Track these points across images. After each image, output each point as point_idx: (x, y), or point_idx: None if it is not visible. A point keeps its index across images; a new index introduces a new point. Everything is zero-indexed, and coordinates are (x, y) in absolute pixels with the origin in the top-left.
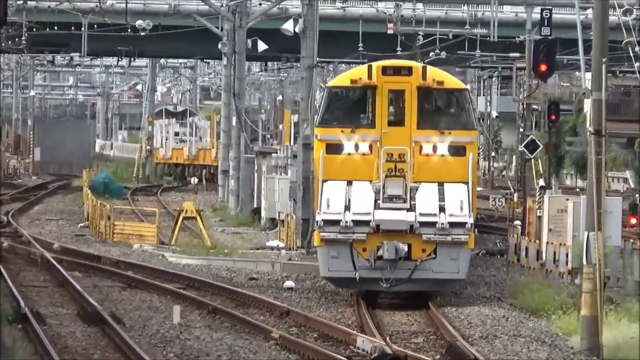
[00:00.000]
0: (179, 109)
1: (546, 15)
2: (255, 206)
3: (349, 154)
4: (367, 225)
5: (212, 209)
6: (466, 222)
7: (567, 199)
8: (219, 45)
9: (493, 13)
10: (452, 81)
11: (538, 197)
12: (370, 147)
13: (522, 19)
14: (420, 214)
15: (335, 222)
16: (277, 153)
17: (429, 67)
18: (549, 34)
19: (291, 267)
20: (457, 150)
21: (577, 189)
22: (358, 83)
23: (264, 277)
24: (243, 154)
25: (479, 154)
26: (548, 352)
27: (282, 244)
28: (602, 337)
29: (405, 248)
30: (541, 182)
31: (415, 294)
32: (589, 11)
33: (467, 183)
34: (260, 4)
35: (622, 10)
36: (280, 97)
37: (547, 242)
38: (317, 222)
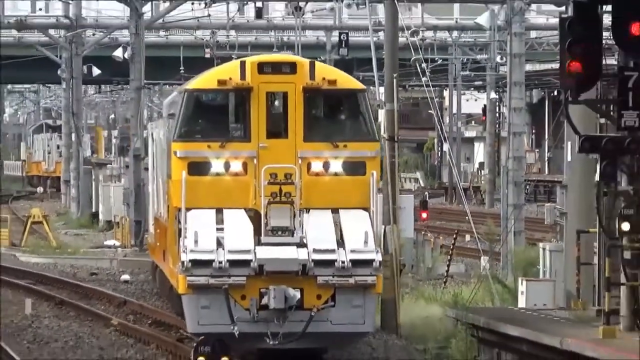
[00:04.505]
0: (59, 122)
1: (343, 38)
2: (93, 210)
3: (218, 174)
4: (246, 266)
5: (57, 214)
6: (373, 260)
7: None
8: (59, 72)
9: (297, 37)
10: (347, 80)
11: None
12: (245, 165)
13: (323, 41)
14: (315, 251)
15: (206, 263)
16: (111, 164)
17: (317, 63)
18: (346, 54)
19: (127, 263)
20: (355, 168)
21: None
22: (227, 84)
23: (104, 272)
24: (82, 165)
25: None
26: None
27: (118, 243)
28: (400, 317)
29: (298, 294)
30: None
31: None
32: (381, 33)
33: (368, 209)
34: (93, 34)
35: (409, 32)
36: (112, 116)
37: None
38: (182, 263)
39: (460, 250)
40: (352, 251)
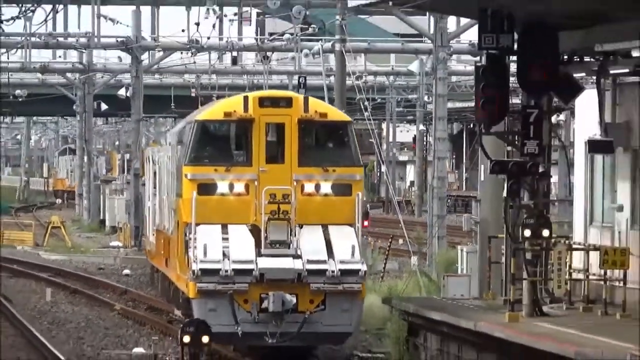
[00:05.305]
0: None
1: (302, 80)
2: (101, 218)
3: (223, 194)
4: (249, 275)
5: (72, 220)
6: (359, 270)
7: None
8: (74, 107)
9: (265, 80)
10: (336, 113)
11: None
12: (247, 186)
13: (286, 83)
14: (308, 261)
15: (214, 272)
16: (115, 181)
17: (311, 99)
18: (304, 94)
19: (127, 260)
20: (342, 189)
21: None
22: (232, 116)
23: (109, 267)
24: (92, 182)
25: None
26: None
27: (120, 244)
28: None
29: (294, 299)
30: None
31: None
32: (332, 77)
33: (354, 225)
34: (102, 77)
35: (355, 76)
36: (117, 142)
37: None
38: (192, 271)
39: (395, 251)
40: (341, 262)
